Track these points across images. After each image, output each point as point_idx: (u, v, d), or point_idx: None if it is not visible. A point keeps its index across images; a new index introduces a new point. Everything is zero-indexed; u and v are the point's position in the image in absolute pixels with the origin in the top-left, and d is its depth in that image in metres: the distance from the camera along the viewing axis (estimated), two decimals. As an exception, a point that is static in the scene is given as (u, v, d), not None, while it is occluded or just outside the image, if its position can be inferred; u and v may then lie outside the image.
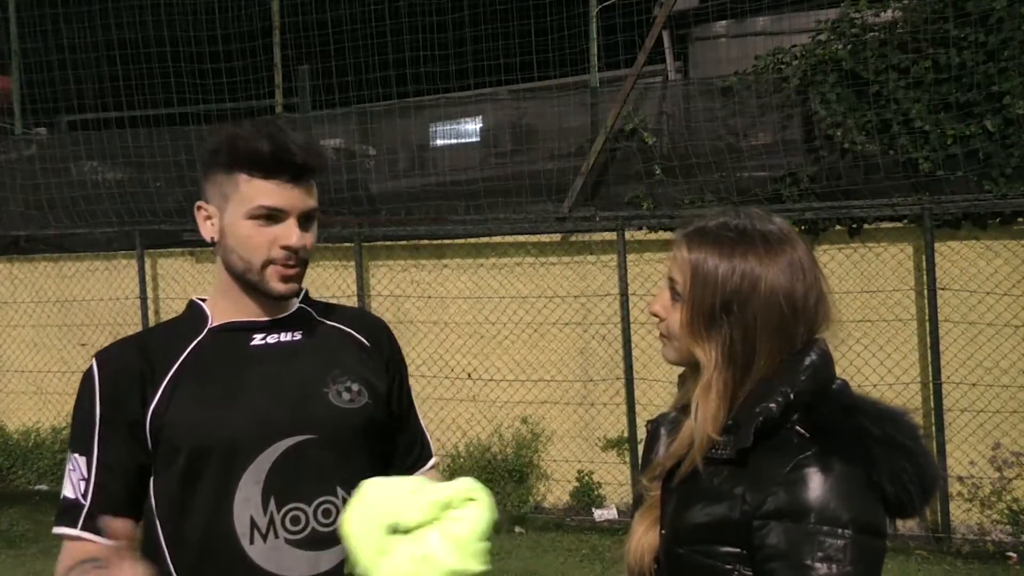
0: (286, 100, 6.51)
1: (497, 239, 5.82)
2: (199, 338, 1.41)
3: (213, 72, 6.47)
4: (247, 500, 1.33)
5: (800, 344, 1.18)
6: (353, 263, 5.95)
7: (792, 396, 1.13)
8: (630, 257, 5.39)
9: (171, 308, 6.51)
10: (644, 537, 1.27)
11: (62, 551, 1.35)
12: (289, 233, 1.36)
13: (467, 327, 5.87)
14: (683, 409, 1.29)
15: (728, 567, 1.13)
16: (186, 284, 6.48)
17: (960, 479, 5.01)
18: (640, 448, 5.92)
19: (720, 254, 1.18)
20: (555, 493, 5.75)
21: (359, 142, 6.39)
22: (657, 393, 5.42)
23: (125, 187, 6.63)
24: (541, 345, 5.76)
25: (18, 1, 6.98)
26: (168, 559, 1.35)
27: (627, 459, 5.51)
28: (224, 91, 6.47)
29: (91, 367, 1.41)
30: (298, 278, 1.41)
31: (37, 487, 6.37)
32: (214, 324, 1.43)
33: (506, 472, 5.64)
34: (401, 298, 5.99)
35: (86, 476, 1.34)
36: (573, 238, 5.70)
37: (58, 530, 1.35)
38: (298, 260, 1.39)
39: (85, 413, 1.38)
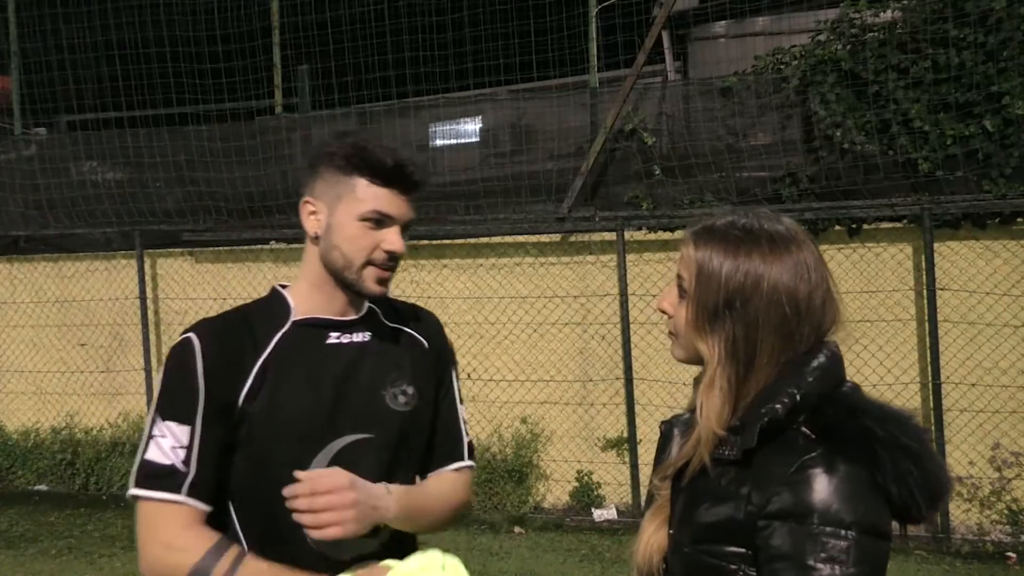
0: (285, 100, 6.51)
1: (497, 239, 5.82)
2: (284, 329, 1.47)
3: (212, 72, 6.47)
4: None
5: (805, 344, 1.19)
6: (353, 263, 5.94)
7: (798, 397, 1.14)
8: (629, 257, 5.39)
9: (170, 308, 6.52)
10: (653, 537, 1.28)
11: (153, 515, 1.35)
12: (394, 239, 1.46)
13: (467, 327, 5.87)
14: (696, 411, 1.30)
15: (733, 567, 1.14)
16: (185, 284, 6.48)
17: (960, 479, 5.01)
18: (639, 448, 5.90)
19: (725, 252, 1.19)
20: (555, 493, 5.75)
21: (359, 142, 6.38)
22: (657, 393, 5.42)
23: (124, 187, 6.64)
24: (541, 345, 5.76)
25: (18, 1, 6.98)
26: (239, 529, 1.43)
27: (627, 459, 5.51)
28: (224, 91, 6.48)
29: (190, 339, 1.41)
30: (389, 282, 1.51)
31: (36, 487, 6.37)
32: (297, 317, 1.49)
33: (506, 472, 5.64)
34: (401, 298, 5.98)
35: (186, 445, 1.35)
36: (573, 238, 5.70)
37: (153, 493, 1.34)
38: (394, 266, 1.50)
39: (185, 384, 1.38)
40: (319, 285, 1.50)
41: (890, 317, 5.14)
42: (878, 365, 5.11)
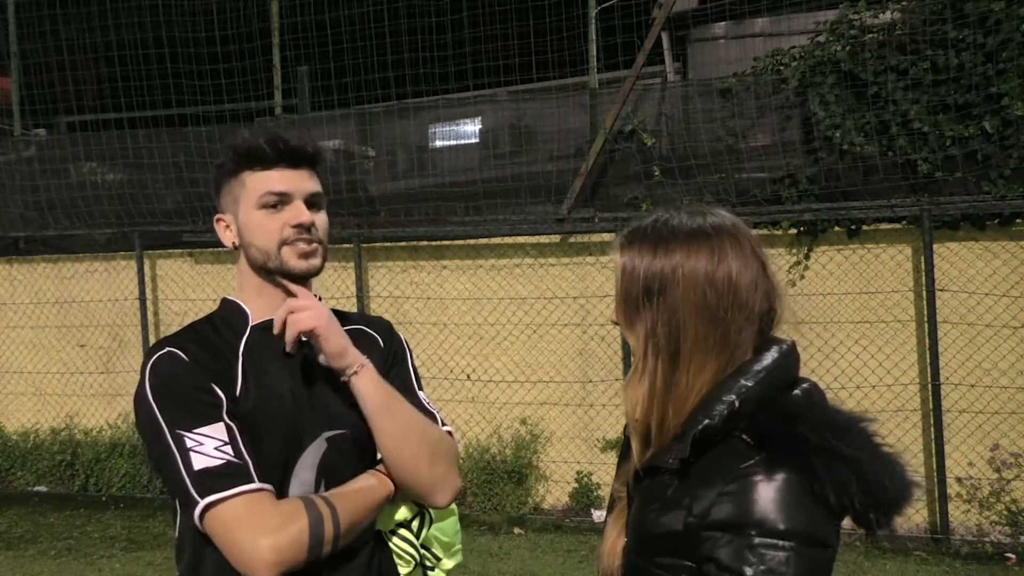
0: (285, 101, 6.51)
1: (496, 240, 5.82)
2: (247, 334, 1.48)
3: (212, 73, 6.48)
4: (303, 484, 1.42)
5: (745, 335, 1.15)
6: (352, 264, 5.95)
7: (736, 404, 1.11)
8: (629, 258, 5.38)
9: (170, 309, 6.52)
10: (616, 542, 1.27)
11: (244, 510, 1.28)
12: (297, 212, 1.45)
13: (466, 328, 5.87)
14: None
15: None
16: (185, 285, 6.48)
17: (959, 480, 5.01)
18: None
19: (643, 249, 1.19)
20: (554, 494, 5.75)
21: (358, 143, 6.40)
22: (656, 394, 5.41)
23: (124, 188, 6.64)
24: (540, 346, 5.76)
25: (17, 2, 6.98)
26: None
27: (626, 460, 5.50)
28: (223, 92, 6.48)
29: (171, 351, 1.39)
30: (315, 255, 1.48)
31: (36, 488, 6.37)
32: (254, 322, 1.50)
33: (505, 473, 5.64)
34: (400, 299, 5.99)
35: (227, 440, 1.33)
36: (572, 239, 5.70)
37: (230, 491, 1.28)
38: (312, 238, 1.47)
39: (196, 388, 1.36)
40: (259, 290, 1.51)
41: (889, 318, 5.15)
42: (877, 366, 5.11)
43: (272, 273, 1.48)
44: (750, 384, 1.12)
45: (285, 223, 1.45)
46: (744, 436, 1.11)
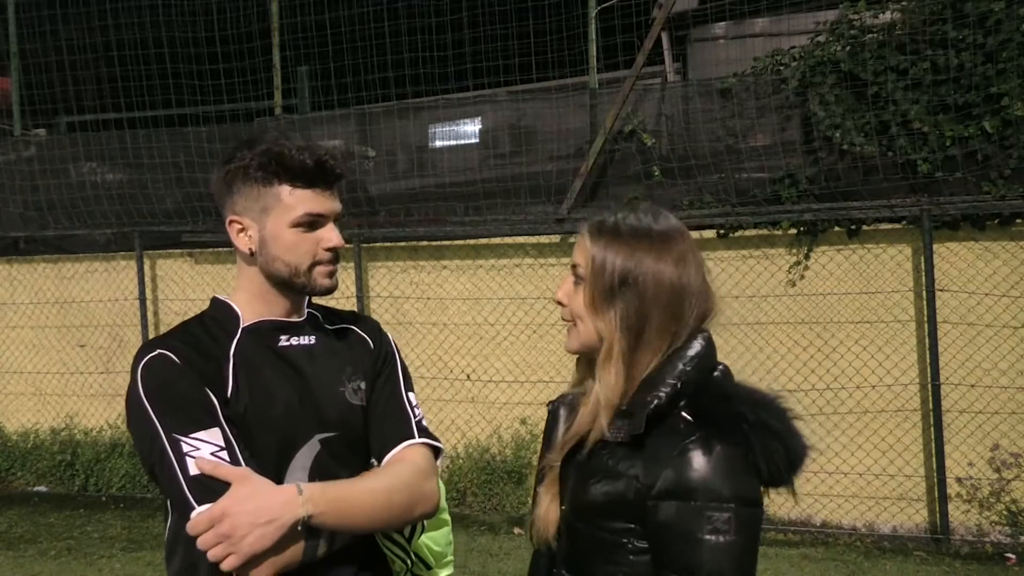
0: (285, 101, 6.51)
1: (496, 240, 5.82)
2: (238, 336, 1.48)
3: (212, 73, 6.48)
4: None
5: (688, 325, 1.33)
6: (352, 264, 5.95)
7: (679, 385, 1.28)
8: (629, 258, 5.39)
9: (170, 309, 6.51)
10: (549, 509, 1.41)
11: None
12: (331, 235, 1.49)
13: (466, 328, 5.87)
14: (580, 392, 1.43)
15: (624, 540, 1.27)
16: (185, 285, 6.48)
17: (959, 480, 5.01)
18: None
19: (618, 243, 1.34)
20: (554, 494, 5.75)
21: (358, 143, 6.40)
22: (656, 394, 5.42)
23: (124, 188, 6.64)
24: (540, 346, 5.77)
25: (17, 2, 6.98)
26: None
27: (626, 460, 5.50)
28: (223, 93, 6.48)
29: (164, 354, 1.39)
30: (337, 273, 1.54)
31: (36, 489, 6.37)
32: (246, 323, 1.50)
33: (505, 473, 5.64)
34: (400, 299, 5.99)
35: (224, 445, 1.32)
36: (572, 239, 5.70)
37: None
38: (338, 258, 1.53)
39: (191, 393, 1.36)
40: (261, 295, 1.51)
41: (889, 318, 5.14)
42: (877, 366, 5.11)
43: (293, 288, 1.49)
44: (688, 369, 1.29)
45: (319, 244, 1.47)
46: (684, 414, 1.27)
